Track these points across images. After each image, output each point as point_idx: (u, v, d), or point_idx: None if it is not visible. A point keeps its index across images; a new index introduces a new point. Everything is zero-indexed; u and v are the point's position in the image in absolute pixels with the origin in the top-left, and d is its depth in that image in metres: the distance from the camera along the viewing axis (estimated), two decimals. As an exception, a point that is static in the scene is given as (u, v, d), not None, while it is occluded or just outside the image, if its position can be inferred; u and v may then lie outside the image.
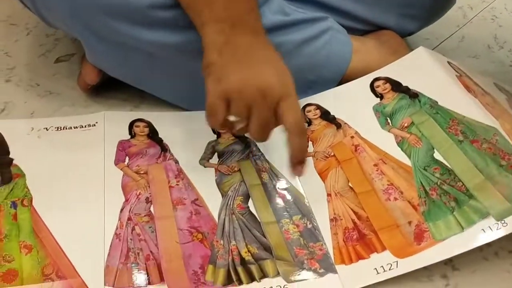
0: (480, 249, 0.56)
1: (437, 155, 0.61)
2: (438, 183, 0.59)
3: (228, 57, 0.56)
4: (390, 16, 0.80)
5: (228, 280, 0.55)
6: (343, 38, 0.75)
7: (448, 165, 0.60)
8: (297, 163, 0.58)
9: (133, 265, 0.55)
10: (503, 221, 0.53)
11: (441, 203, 0.57)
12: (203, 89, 0.72)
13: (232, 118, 0.56)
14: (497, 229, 0.53)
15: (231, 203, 0.61)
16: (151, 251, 0.56)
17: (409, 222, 0.57)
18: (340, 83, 0.74)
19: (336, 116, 0.70)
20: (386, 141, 0.65)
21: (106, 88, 0.76)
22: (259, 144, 0.69)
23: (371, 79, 0.72)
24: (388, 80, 0.71)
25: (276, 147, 0.68)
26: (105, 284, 0.53)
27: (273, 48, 0.58)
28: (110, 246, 0.56)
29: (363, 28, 0.80)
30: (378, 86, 0.71)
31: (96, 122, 0.69)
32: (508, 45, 0.91)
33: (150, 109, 0.74)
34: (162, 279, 0.54)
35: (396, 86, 0.70)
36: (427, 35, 0.90)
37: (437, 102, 0.66)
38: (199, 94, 0.72)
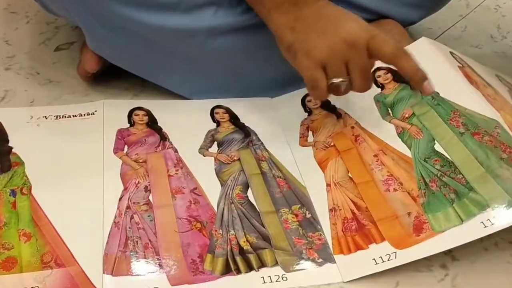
0: (480, 239, 0.56)
1: (437, 147, 0.61)
2: (438, 175, 0.59)
3: (304, 30, 0.58)
4: (392, 5, 0.79)
5: (227, 269, 0.55)
6: None
7: (449, 157, 0.60)
8: (420, 82, 0.58)
9: (131, 253, 0.55)
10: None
11: (440, 195, 0.57)
12: (203, 77, 0.72)
13: (335, 80, 0.58)
14: (496, 223, 0.53)
15: (230, 192, 0.61)
16: (149, 240, 0.56)
17: (409, 213, 0.57)
18: None
19: (337, 106, 0.70)
20: (386, 132, 0.65)
21: (107, 77, 0.76)
22: (259, 134, 0.68)
23: (373, 69, 0.71)
24: (389, 70, 0.70)
25: (276, 136, 0.68)
26: (103, 272, 0.53)
27: (335, 5, 0.61)
28: (109, 234, 0.56)
29: (365, 17, 0.79)
30: (379, 76, 0.71)
31: (95, 111, 0.69)
32: (511, 35, 0.90)
33: (150, 97, 0.74)
34: (160, 268, 0.54)
35: (398, 76, 0.70)
36: (429, 25, 0.89)
37: (438, 94, 0.66)
38: (199, 82, 0.73)
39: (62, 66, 0.80)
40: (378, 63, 0.71)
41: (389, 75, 0.70)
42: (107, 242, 0.55)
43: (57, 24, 0.88)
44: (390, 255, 0.54)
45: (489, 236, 0.56)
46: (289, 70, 0.72)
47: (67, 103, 0.73)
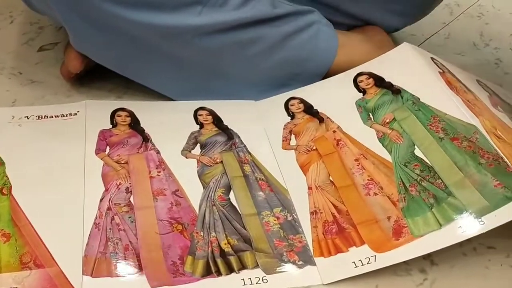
0: (459, 244, 0.56)
1: (417, 152, 0.62)
2: (418, 180, 0.59)
3: None
4: (376, 11, 0.80)
5: (207, 271, 0.55)
6: (329, 32, 0.75)
7: (428, 162, 0.60)
8: None
9: (111, 254, 0.55)
10: (480, 219, 0.54)
11: (420, 200, 0.58)
12: (188, 78, 0.72)
13: None
14: (474, 227, 0.54)
15: (212, 195, 0.61)
16: (130, 241, 0.56)
17: (388, 217, 0.58)
18: (325, 77, 0.74)
19: (319, 110, 0.70)
20: (367, 136, 0.65)
21: (90, 78, 0.76)
22: (242, 136, 0.68)
23: (355, 74, 0.72)
24: (371, 75, 0.71)
25: (259, 139, 0.68)
26: (83, 274, 0.53)
27: None
28: (89, 235, 0.56)
29: (350, 23, 0.80)
30: (361, 81, 0.71)
31: (78, 111, 0.69)
32: (493, 42, 0.91)
33: (134, 99, 0.74)
34: (141, 269, 0.54)
35: (379, 82, 0.70)
36: (413, 32, 0.90)
37: (419, 99, 0.67)
38: (184, 82, 0.73)
39: (45, 67, 0.80)
40: (360, 68, 0.73)
41: (371, 80, 0.71)
42: (87, 243, 0.55)
43: (41, 25, 0.87)
44: (369, 259, 0.55)
45: (468, 241, 0.57)
46: (273, 73, 0.73)
47: (49, 103, 0.72)
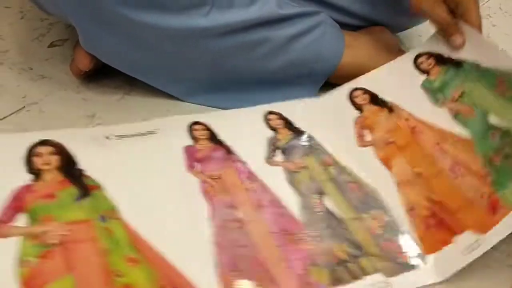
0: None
1: (492, 120, 0.59)
2: (500, 148, 0.57)
3: None
4: (383, 11, 0.78)
5: (333, 280, 0.53)
6: (336, 33, 0.74)
7: (505, 127, 0.58)
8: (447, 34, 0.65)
9: (241, 272, 0.53)
10: None
11: (506, 167, 0.55)
12: (196, 78, 0.70)
13: None
14: None
15: (309, 201, 0.60)
16: (254, 256, 0.54)
17: (481, 195, 0.56)
18: (331, 78, 0.74)
19: (385, 100, 0.68)
20: (441, 118, 0.63)
21: (99, 75, 0.73)
22: (316, 137, 0.66)
23: (413, 56, 0.71)
24: (430, 54, 0.70)
25: (333, 138, 0.66)
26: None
27: None
28: (214, 254, 0.54)
29: (356, 24, 0.79)
30: (422, 63, 0.70)
31: (155, 129, 0.64)
32: (499, 45, 0.91)
33: (141, 96, 0.72)
34: (275, 284, 0.53)
35: (439, 59, 0.69)
36: (420, 32, 0.88)
37: (479, 65, 0.64)
38: (192, 82, 0.71)
39: (55, 63, 0.77)
40: (417, 50, 0.71)
41: (431, 59, 0.70)
42: (216, 262, 0.53)
43: (51, 21, 0.82)
44: (475, 242, 0.53)
45: None
46: (279, 75, 0.71)
47: (59, 99, 0.71)
